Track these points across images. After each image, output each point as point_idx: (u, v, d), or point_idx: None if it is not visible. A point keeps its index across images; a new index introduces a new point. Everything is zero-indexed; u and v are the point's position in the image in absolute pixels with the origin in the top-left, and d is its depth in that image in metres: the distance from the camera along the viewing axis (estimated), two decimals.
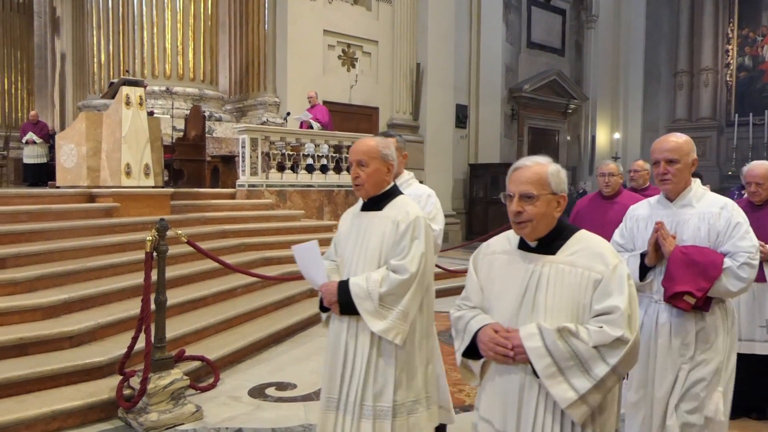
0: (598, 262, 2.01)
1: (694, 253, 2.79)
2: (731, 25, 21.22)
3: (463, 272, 9.18)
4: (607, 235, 2.80)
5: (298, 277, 7.47)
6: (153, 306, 4.23)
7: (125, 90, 7.58)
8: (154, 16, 11.29)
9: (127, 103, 7.54)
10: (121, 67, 11.88)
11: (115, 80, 9.41)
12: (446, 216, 15.10)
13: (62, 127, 14.64)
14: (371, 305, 2.62)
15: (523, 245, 2.13)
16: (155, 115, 9.58)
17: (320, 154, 10.86)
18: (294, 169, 10.46)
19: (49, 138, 12.87)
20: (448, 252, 11.12)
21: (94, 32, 12.89)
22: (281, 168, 10.30)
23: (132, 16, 11.48)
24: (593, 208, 4.79)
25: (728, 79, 21.34)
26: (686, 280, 2.74)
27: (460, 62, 16.07)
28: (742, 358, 3.85)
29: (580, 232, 2.12)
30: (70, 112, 15.51)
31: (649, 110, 22.67)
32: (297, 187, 10.35)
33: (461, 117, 16.30)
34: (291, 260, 7.98)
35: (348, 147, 11.29)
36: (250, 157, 9.73)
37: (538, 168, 2.06)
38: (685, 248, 2.82)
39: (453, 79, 15.56)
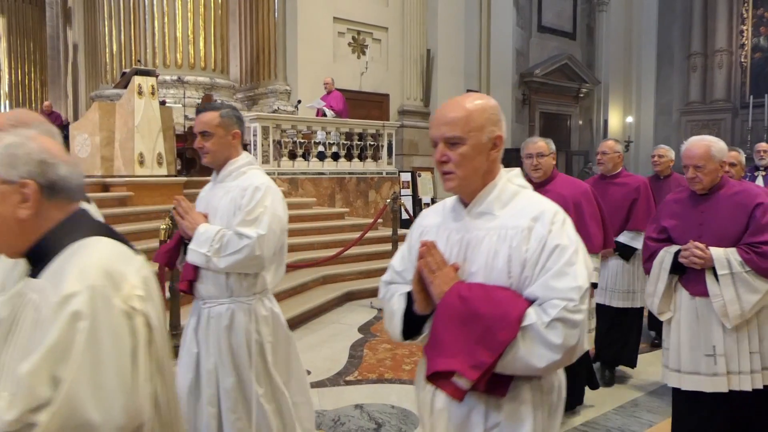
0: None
1: (478, 298, 1.60)
2: (746, 5, 20.90)
3: None
4: None
5: (310, 264, 7.55)
6: (168, 294, 4.30)
7: (137, 80, 7.65)
8: (165, 6, 11.34)
9: (140, 93, 7.61)
10: (133, 57, 11.95)
11: (127, 70, 9.49)
12: None
13: (75, 118, 14.76)
14: None
15: None
16: (167, 105, 9.65)
17: (331, 142, 10.89)
18: (305, 156, 10.51)
19: (62, 128, 13.00)
20: None
21: (106, 22, 12.95)
22: (293, 156, 10.35)
23: (143, 6, 11.54)
24: None
25: (743, 60, 21.07)
26: (456, 349, 1.58)
27: (471, 47, 15.98)
28: (683, 396, 3.14)
29: (75, 244, 1.37)
30: (83, 103, 15.62)
31: (662, 93, 22.44)
32: (308, 175, 10.40)
33: None
34: (303, 247, 8.08)
35: (359, 134, 11.30)
36: (262, 145, 9.78)
37: None
38: (469, 288, 1.63)
39: (463, 65, 15.49)
